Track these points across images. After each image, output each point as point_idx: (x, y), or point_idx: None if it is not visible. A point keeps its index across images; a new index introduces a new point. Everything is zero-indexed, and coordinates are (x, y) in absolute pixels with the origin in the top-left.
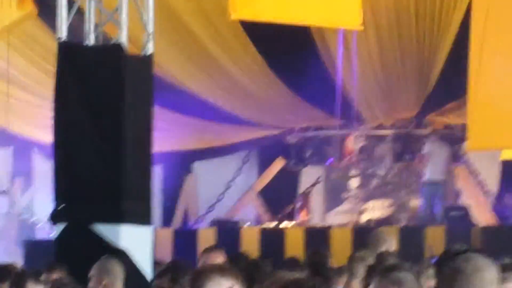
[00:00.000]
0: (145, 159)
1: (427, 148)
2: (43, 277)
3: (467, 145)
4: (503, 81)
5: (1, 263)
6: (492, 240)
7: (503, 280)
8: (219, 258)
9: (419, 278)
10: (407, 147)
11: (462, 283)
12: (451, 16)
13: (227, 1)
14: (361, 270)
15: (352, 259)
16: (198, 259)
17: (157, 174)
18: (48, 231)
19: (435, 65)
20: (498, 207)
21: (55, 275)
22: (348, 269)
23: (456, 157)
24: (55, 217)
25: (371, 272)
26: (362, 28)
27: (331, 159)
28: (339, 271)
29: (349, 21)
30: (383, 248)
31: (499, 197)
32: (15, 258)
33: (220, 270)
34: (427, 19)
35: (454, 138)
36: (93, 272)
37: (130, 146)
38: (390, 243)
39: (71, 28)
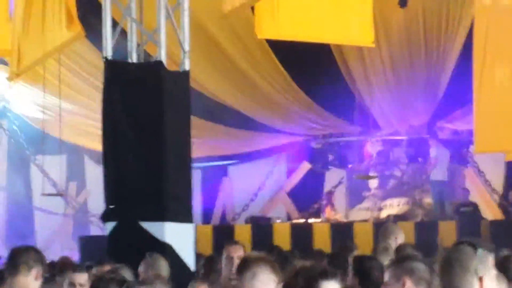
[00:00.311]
0: (184, 164)
1: (433, 151)
2: (94, 270)
3: (474, 148)
4: (505, 89)
5: (59, 257)
6: (500, 233)
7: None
8: (239, 250)
9: (432, 268)
10: (419, 151)
11: (447, 270)
12: (456, 32)
13: (254, 22)
14: (385, 261)
15: (376, 251)
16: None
17: (197, 177)
18: (101, 228)
19: (442, 77)
20: (503, 203)
21: (106, 269)
22: None
23: (464, 160)
24: (106, 216)
25: (355, 265)
26: (373, 45)
27: (352, 162)
28: None
29: (362, 39)
30: (392, 240)
31: (504, 194)
32: (72, 252)
33: (270, 264)
34: (435, 35)
35: (461, 142)
36: (140, 268)
37: (171, 152)
38: (399, 235)
39: (116, 48)
